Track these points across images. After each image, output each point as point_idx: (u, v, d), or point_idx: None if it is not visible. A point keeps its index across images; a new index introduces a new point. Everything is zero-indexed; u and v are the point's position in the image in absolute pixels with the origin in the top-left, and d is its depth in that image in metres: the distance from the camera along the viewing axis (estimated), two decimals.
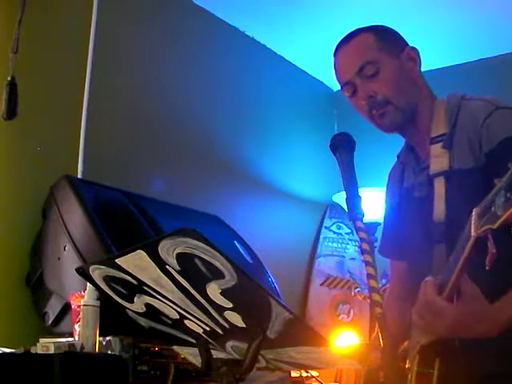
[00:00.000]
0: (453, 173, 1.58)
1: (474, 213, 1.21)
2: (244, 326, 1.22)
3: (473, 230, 1.21)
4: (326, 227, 4.37)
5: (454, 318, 1.35)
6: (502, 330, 1.36)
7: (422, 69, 1.74)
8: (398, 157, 1.84)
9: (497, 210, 1.10)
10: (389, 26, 1.78)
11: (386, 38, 1.71)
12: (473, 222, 1.21)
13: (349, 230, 4.39)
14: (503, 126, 1.52)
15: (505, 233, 1.13)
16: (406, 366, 1.54)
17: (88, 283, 1.73)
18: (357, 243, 4.26)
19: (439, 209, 1.57)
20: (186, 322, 1.30)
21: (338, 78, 1.74)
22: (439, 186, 1.59)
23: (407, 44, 1.74)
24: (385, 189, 1.90)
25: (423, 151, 1.70)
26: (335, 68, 1.74)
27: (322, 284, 4.14)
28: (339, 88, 1.76)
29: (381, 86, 1.65)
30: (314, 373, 2.51)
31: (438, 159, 1.62)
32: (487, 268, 1.17)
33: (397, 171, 1.83)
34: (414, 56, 1.71)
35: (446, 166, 1.59)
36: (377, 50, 1.67)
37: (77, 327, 2.06)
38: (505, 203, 1.08)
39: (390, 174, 1.88)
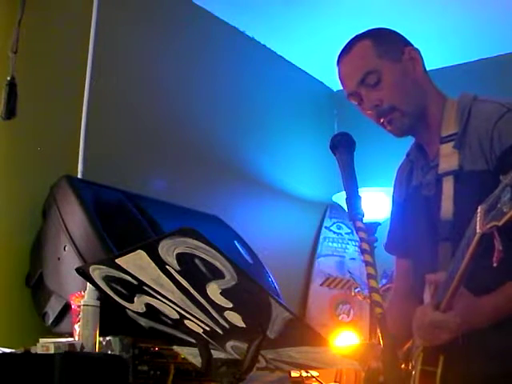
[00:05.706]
0: (463, 173, 1.58)
1: (479, 209, 1.21)
2: (244, 326, 1.22)
3: (478, 227, 1.21)
4: (326, 227, 4.37)
5: (457, 325, 1.38)
6: (491, 321, 1.42)
7: None
8: (408, 155, 1.83)
9: (503, 206, 1.11)
10: (389, 25, 1.76)
11: (384, 43, 1.68)
12: (478, 218, 1.21)
13: (349, 230, 4.39)
14: None
15: (510, 230, 1.13)
16: (410, 364, 1.55)
17: (88, 283, 1.73)
18: (357, 243, 4.26)
19: (447, 207, 1.57)
20: (186, 322, 1.30)
21: (343, 88, 1.73)
22: (448, 185, 1.59)
23: (408, 44, 1.71)
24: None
25: (432, 150, 1.70)
26: (340, 79, 1.73)
27: (321, 284, 4.13)
28: (340, 88, 1.75)
29: (385, 94, 1.64)
30: (314, 373, 2.50)
31: (448, 158, 1.61)
32: (494, 265, 1.17)
33: (405, 169, 1.83)
34: (415, 56, 1.69)
35: (456, 165, 1.59)
36: (376, 57, 1.66)
37: (77, 327, 2.05)
38: (511, 200, 1.08)
39: (398, 172, 1.88)
